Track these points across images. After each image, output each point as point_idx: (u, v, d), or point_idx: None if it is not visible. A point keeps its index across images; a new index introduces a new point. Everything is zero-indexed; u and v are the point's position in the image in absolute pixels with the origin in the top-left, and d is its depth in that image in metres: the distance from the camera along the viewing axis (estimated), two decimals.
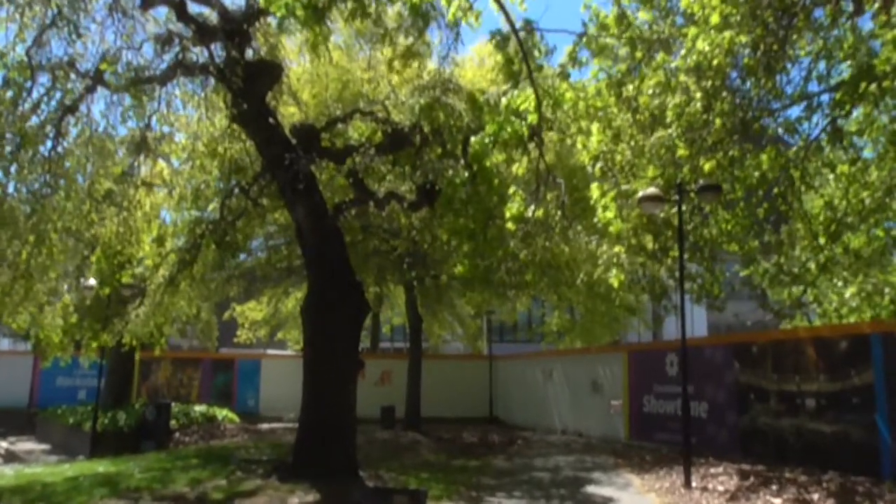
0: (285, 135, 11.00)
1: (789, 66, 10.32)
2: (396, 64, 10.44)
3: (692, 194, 11.33)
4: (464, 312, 27.93)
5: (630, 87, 11.23)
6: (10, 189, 10.20)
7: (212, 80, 10.92)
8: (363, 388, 12.40)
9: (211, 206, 13.53)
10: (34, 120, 10.84)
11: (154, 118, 12.45)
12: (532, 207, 10.92)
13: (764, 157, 11.51)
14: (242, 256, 18.39)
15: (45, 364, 22.13)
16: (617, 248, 12.62)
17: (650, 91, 10.96)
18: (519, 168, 11.31)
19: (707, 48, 9.30)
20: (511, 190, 10.99)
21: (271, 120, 10.59)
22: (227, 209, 13.17)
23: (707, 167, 10.74)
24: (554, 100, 10.15)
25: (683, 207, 11.30)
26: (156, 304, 13.13)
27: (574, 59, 10.81)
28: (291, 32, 10.01)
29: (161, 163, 12.87)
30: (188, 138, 12.92)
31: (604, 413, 18.63)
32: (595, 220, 12.09)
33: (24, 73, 9.22)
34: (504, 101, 9.91)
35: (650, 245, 13.24)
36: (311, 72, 13.43)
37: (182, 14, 10.00)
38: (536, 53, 9.57)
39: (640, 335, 30.20)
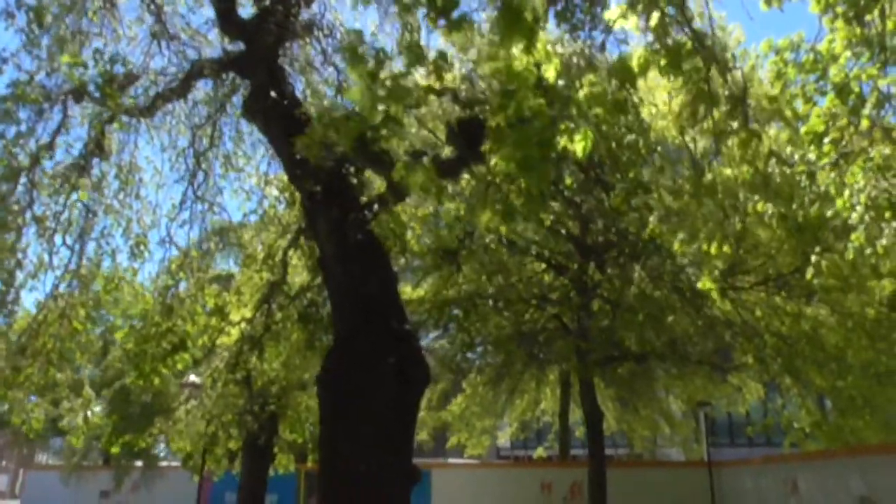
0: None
1: None
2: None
3: None
4: (672, 407, 22.37)
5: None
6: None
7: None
8: None
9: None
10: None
11: (212, 157, 10.07)
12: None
13: None
14: None
15: (194, 478, 20.22)
16: None
17: None
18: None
19: None
20: None
21: (279, 98, 6.86)
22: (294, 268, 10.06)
23: None
24: None
25: None
26: (218, 396, 10.02)
27: None
28: None
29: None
30: (255, 180, 10.18)
31: None
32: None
33: None
34: None
35: None
36: None
37: None
38: None
39: None
